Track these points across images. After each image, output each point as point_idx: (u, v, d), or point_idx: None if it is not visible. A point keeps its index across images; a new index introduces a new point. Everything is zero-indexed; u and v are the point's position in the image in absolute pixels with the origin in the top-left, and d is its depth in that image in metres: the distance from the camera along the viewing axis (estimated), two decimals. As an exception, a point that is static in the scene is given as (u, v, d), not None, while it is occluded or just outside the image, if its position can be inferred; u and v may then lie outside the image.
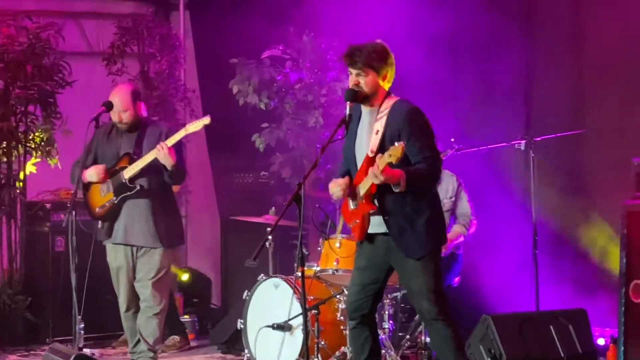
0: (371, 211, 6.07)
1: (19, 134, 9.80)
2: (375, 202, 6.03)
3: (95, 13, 11.56)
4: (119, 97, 7.60)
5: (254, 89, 9.74)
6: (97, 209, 7.67)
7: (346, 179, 6.18)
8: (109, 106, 7.50)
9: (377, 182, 5.86)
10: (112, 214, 7.61)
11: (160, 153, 7.31)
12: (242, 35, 10.03)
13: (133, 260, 7.63)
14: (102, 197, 7.62)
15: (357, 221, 6.15)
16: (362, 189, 6.02)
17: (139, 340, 7.67)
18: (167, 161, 7.33)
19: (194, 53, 11.56)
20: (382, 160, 5.76)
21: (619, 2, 8.46)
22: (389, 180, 5.84)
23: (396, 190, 5.89)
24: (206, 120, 7.39)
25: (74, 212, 7.25)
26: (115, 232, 7.63)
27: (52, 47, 9.94)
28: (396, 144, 5.72)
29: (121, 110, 7.54)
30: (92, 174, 7.54)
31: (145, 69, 10.76)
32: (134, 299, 7.69)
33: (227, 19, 10.34)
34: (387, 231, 6.08)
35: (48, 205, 9.79)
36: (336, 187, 6.15)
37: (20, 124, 9.89)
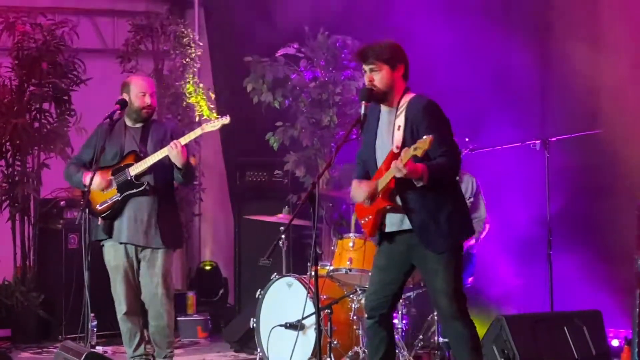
0: (388, 207, 5.99)
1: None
2: (397, 199, 5.97)
3: (110, 10, 11.59)
4: (146, 80, 7.56)
5: (268, 87, 9.72)
6: (97, 206, 7.42)
7: (370, 182, 6.09)
8: (123, 104, 7.33)
9: (399, 175, 5.76)
10: (113, 212, 7.40)
11: (173, 151, 7.16)
12: (256, 34, 10.01)
13: (135, 259, 7.44)
14: (104, 194, 7.40)
15: (370, 217, 6.09)
16: (381, 184, 5.95)
17: (139, 344, 7.53)
18: (179, 160, 7.18)
19: (208, 51, 11.56)
20: (407, 154, 5.68)
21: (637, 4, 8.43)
22: (411, 175, 5.75)
23: (418, 184, 5.82)
24: (225, 120, 7.26)
25: (87, 210, 7.16)
26: (117, 231, 7.42)
27: (66, 44, 9.97)
28: (424, 137, 5.67)
29: (149, 94, 7.43)
30: (95, 182, 7.25)
31: (160, 66, 10.76)
32: (133, 300, 7.49)
33: (241, 17, 10.33)
34: (406, 229, 6.02)
35: (62, 203, 9.79)
36: (359, 191, 6.09)
37: (35, 121, 9.91)
